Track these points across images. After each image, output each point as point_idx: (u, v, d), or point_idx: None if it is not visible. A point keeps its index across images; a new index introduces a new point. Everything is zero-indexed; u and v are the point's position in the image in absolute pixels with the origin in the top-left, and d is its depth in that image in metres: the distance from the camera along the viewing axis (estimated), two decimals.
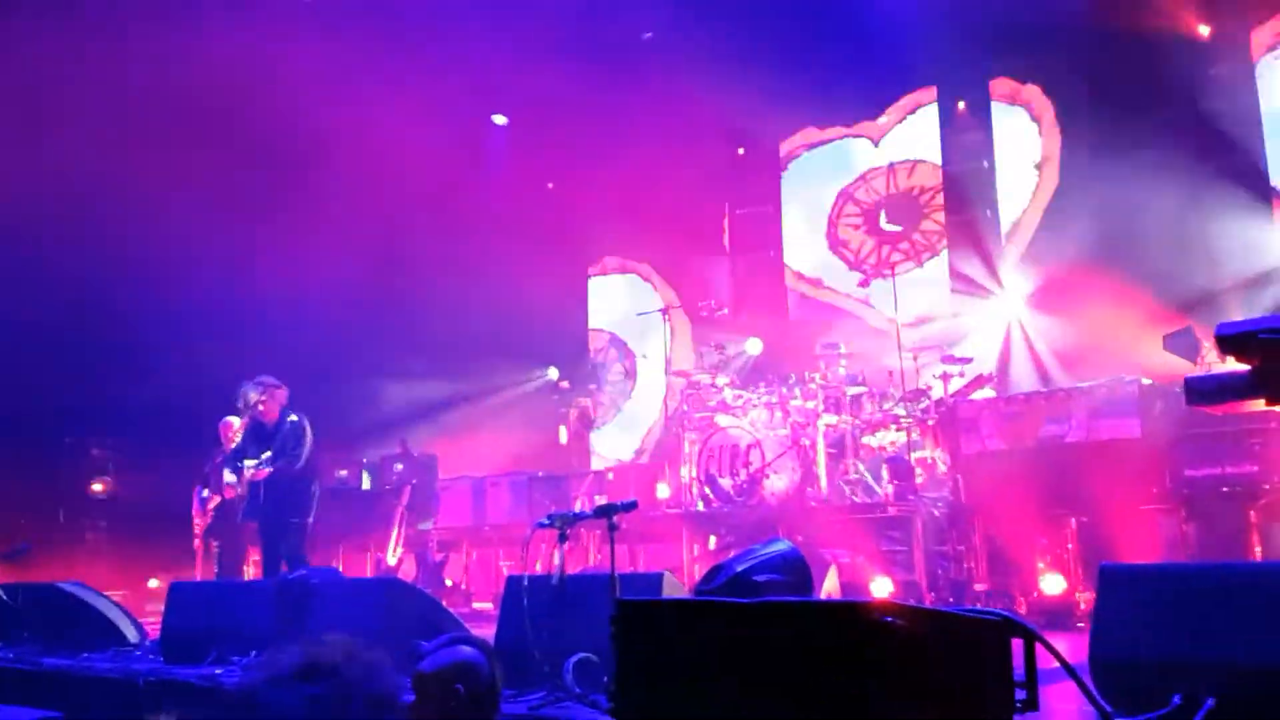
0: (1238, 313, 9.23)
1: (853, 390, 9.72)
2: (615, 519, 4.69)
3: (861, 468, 9.29)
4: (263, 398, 8.37)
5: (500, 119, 15.04)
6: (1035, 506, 7.97)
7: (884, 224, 13.44)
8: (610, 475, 10.73)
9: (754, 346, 13.52)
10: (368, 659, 2.04)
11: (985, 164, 12.88)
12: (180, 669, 6.00)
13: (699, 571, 7.82)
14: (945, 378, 9.90)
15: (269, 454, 8.31)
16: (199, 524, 9.53)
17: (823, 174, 14.20)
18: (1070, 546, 7.89)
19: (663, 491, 10.43)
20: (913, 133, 13.54)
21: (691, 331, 13.53)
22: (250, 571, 9.49)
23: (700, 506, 9.52)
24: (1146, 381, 8.13)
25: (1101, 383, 8.42)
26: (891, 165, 13.59)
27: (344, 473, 11.69)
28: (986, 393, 10.06)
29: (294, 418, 8.58)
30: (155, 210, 11.64)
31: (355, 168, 12.81)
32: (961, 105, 13.07)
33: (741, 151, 14.71)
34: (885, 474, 9.11)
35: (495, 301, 13.64)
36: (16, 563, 7.13)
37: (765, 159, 14.64)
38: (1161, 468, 7.70)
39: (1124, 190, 10.53)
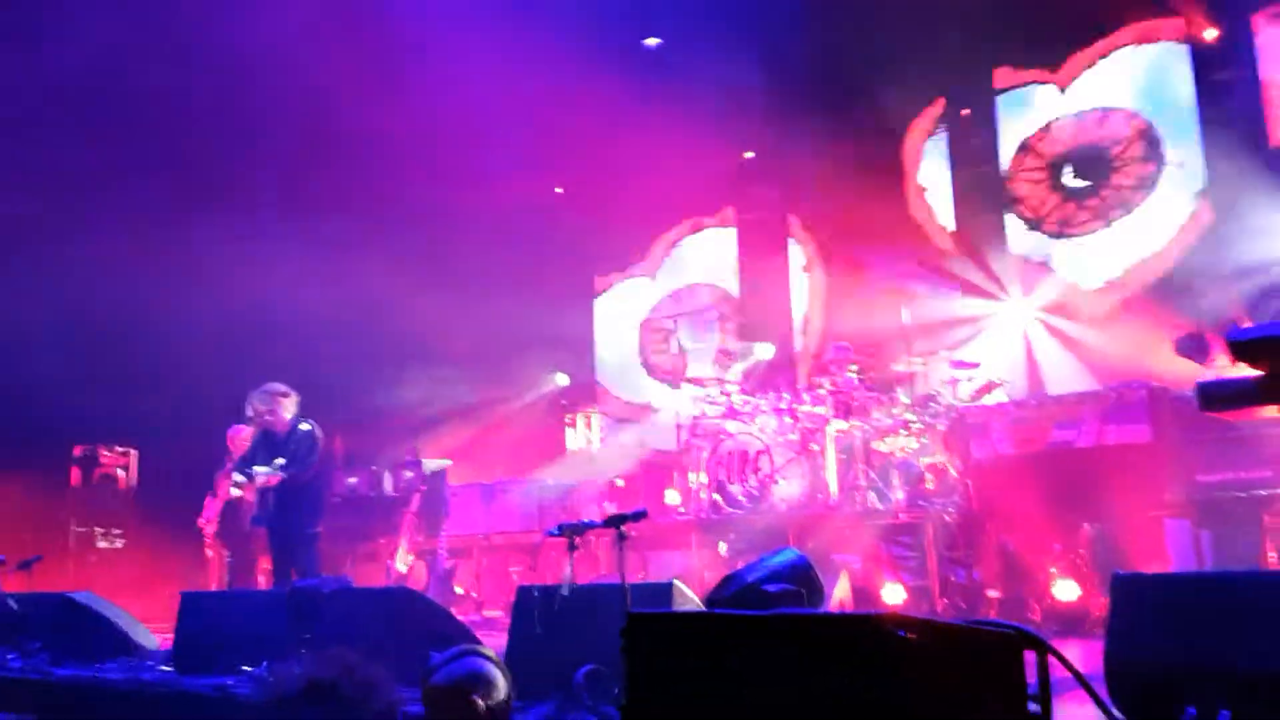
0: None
1: (862, 396, 9.70)
2: (624, 528, 4.68)
3: (872, 474, 9.26)
4: (271, 406, 8.37)
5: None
6: (1048, 512, 7.94)
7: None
8: (620, 482, 10.73)
9: (765, 351, 13.51)
10: (368, 675, 2.04)
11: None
12: (191, 679, 6.00)
13: (709, 578, 7.80)
14: (954, 382, 9.88)
15: (281, 461, 8.30)
16: (208, 532, 9.54)
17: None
18: (1083, 552, 7.86)
19: (672, 498, 10.42)
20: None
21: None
22: (262, 580, 9.50)
23: (710, 513, 9.50)
24: (1157, 385, 8.10)
25: (1112, 387, 8.39)
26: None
27: (354, 480, 11.70)
28: (998, 397, 10.03)
29: (305, 426, 8.58)
30: (166, 216, 11.71)
31: (371, 175, 12.87)
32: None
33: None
34: (896, 480, 9.09)
35: (510, 307, 13.67)
36: (28, 572, 7.13)
37: None
38: (1173, 473, 7.67)
39: None
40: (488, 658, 3.68)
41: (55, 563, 9.38)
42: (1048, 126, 12.57)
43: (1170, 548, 7.58)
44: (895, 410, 9.74)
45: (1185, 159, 11.50)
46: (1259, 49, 11.08)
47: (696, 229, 15.12)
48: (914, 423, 9.53)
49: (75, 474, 11.88)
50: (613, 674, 4.41)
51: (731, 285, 14.36)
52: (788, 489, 9.21)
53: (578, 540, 4.87)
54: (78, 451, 12.04)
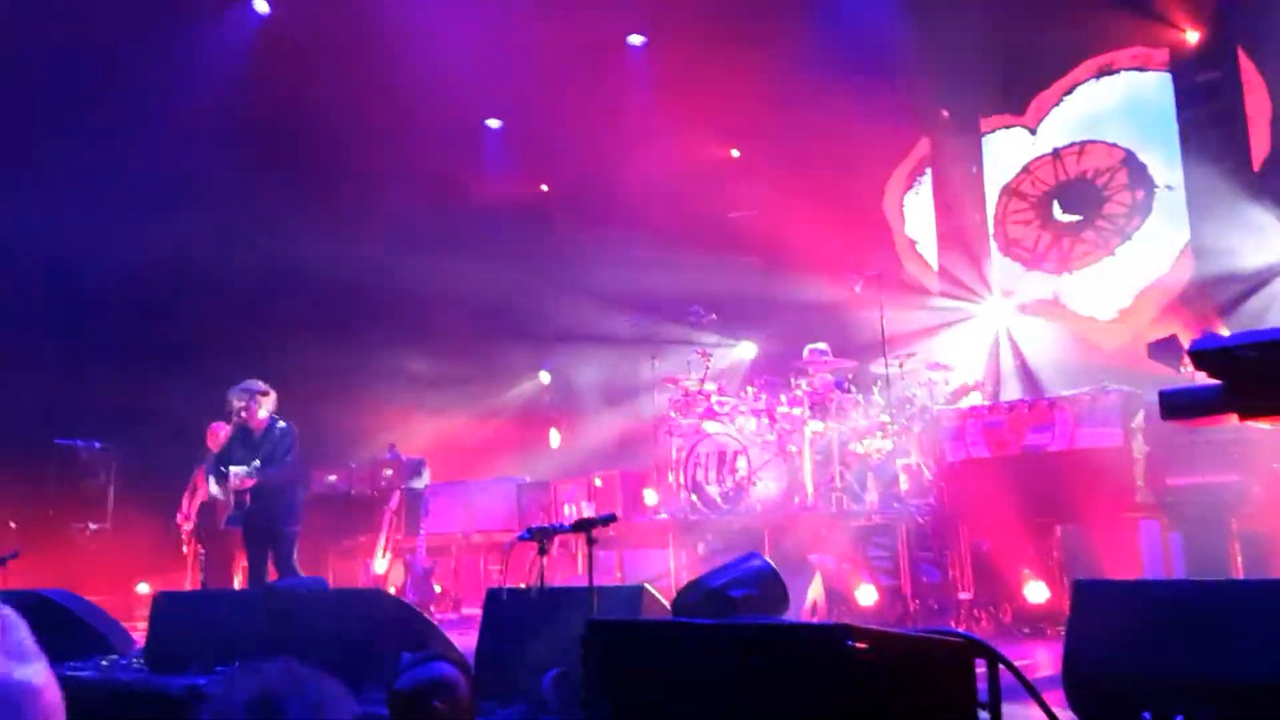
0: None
1: (839, 397, 9.75)
2: (594, 532, 4.72)
3: (848, 475, 9.31)
4: (248, 403, 8.37)
5: (493, 123, 15.06)
6: (1020, 514, 8.01)
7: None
8: (598, 481, 10.76)
9: (745, 351, 13.57)
10: (316, 691, 2.04)
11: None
12: (164, 678, 6.02)
13: (686, 579, 7.86)
14: (930, 385, 9.94)
15: (257, 462, 8.29)
16: (185, 530, 9.55)
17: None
18: (1054, 555, 7.94)
19: (650, 498, 10.46)
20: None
21: None
22: (239, 578, 9.50)
23: (688, 514, 9.55)
24: (1128, 389, 8.16)
25: (1084, 391, 8.46)
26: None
27: (333, 478, 11.71)
28: (974, 399, 10.09)
29: (282, 424, 8.58)
30: (148, 208, 11.68)
31: (351, 171, 12.88)
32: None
33: None
34: (871, 481, 9.15)
35: (491, 302, 13.70)
36: (3, 569, 7.12)
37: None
38: (1144, 476, 7.74)
39: None
40: (453, 662, 3.70)
41: (32, 559, 9.35)
42: (1027, 168, 12.68)
43: (1141, 551, 7.65)
44: (872, 412, 9.80)
45: (1173, 181, 11.58)
46: (1242, 72, 11.14)
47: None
48: (890, 424, 9.59)
49: (54, 468, 11.84)
50: (580, 677, 4.45)
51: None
52: (765, 490, 9.27)
53: (548, 543, 4.90)
54: (56, 445, 11.99)
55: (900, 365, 10.03)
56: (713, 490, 9.45)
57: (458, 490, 11.32)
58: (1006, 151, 12.91)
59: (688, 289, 13.78)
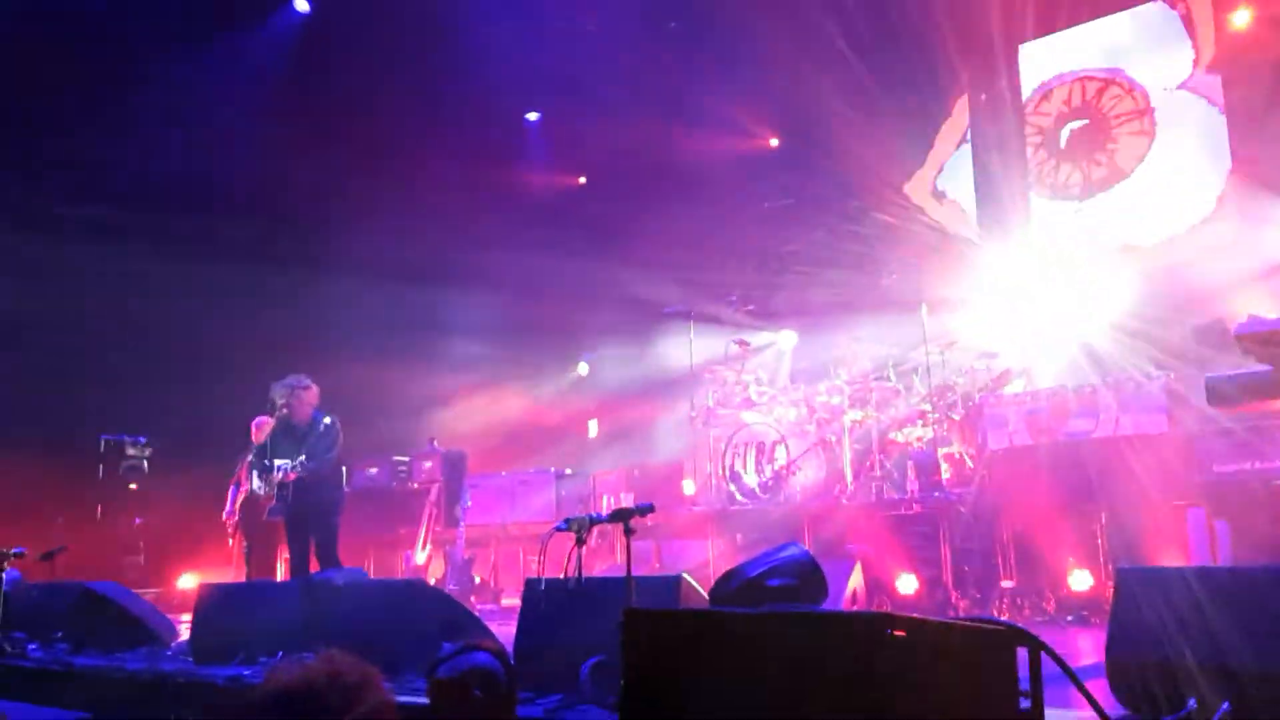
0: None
1: (879, 386, 9.68)
2: (631, 522, 4.71)
3: (887, 464, 9.25)
4: (290, 398, 8.43)
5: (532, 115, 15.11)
6: (1063, 502, 7.91)
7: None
8: (636, 472, 10.76)
9: (787, 341, 13.48)
10: (355, 677, 2.05)
11: None
12: (208, 669, 6.09)
13: (725, 569, 7.83)
14: (971, 372, 9.85)
15: (302, 456, 8.35)
16: (230, 523, 9.64)
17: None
18: (1099, 542, 7.83)
19: (688, 488, 10.45)
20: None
21: None
22: (281, 570, 9.59)
23: (726, 504, 9.52)
24: (1174, 376, 8.05)
25: (1129, 377, 8.35)
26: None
27: (374, 470, 11.78)
28: (1015, 387, 9.98)
29: (326, 419, 8.64)
30: (190, 206, 11.82)
31: (388, 173, 12.94)
32: None
33: None
34: (911, 470, 9.08)
35: (530, 295, 13.72)
36: (51, 563, 7.24)
37: None
38: (1189, 463, 7.62)
39: None
40: (491, 651, 3.71)
41: (80, 553, 9.50)
42: (1048, 93, 12.49)
43: (1187, 538, 7.53)
44: (912, 400, 9.73)
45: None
46: None
47: None
48: (930, 413, 9.51)
49: (101, 464, 12.01)
50: (619, 666, 4.44)
51: None
52: (804, 479, 9.22)
53: (585, 534, 4.90)
54: (103, 441, 12.16)
55: (941, 353, 9.94)
56: (751, 480, 9.42)
57: (497, 482, 11.36)
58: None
59: (727, 279, 13.80)
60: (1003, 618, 6.74)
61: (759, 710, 2.81)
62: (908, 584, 7.95)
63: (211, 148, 11.73)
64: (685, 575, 4.98)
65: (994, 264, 12.17)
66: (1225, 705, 3.55)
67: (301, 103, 12.37)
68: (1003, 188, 12.71)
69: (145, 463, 12.13)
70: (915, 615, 2.80)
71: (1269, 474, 7.32)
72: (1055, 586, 7.82)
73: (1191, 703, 3.62)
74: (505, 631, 5.52)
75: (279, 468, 8.35)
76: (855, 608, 7.30)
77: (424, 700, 3.84)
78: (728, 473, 9.57)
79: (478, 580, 10.57)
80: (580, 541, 4.85)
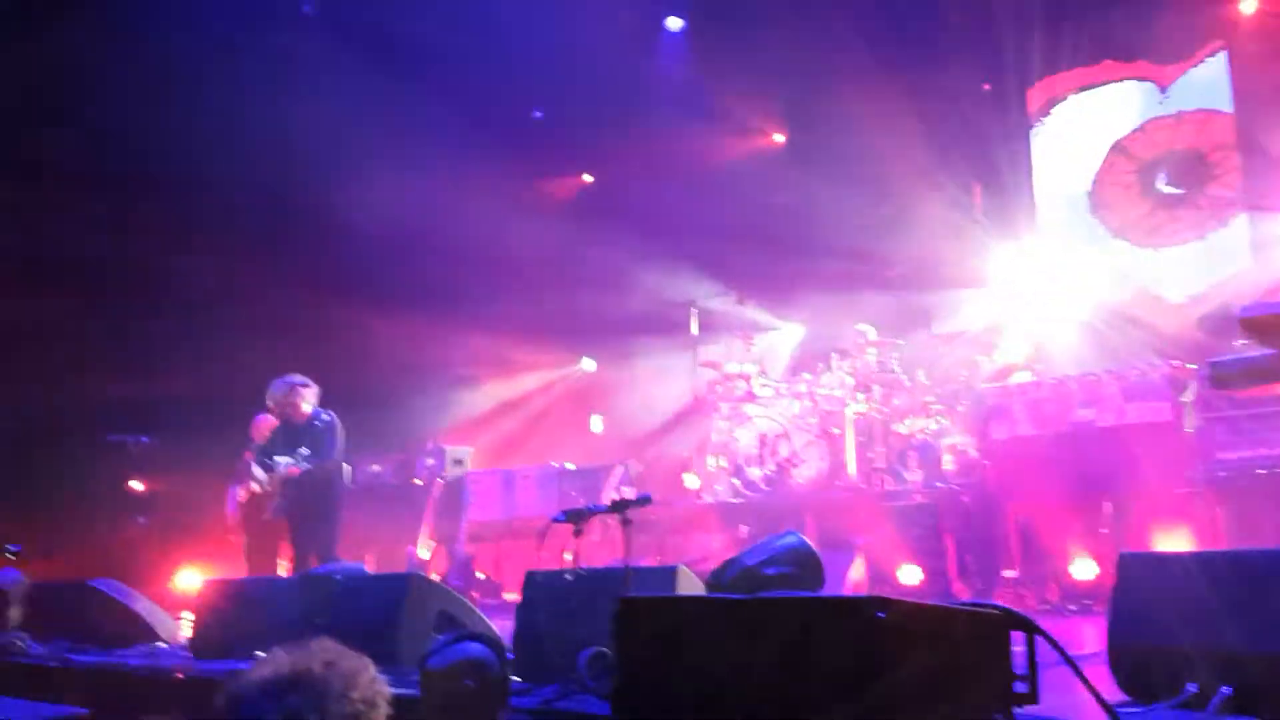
0: None
1: (882, 378, 9.64)
2: (630, 514, 4.69)
3: (891, 456, 9.22)
4: (289, 397, 8.42)
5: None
6: (1067, 491, 7.90)
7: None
8: (639, 467, 10.74)
9: (791, 334, 13.46)
10: (344, 668, 2.04)
11: None
12: (208, 664, 6.08)
13: None
14: (974, 364, 9.82)
15: (304, 451, 8.35)
16: (232, 520, 9.63)
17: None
18: (1103, 531, 7.80)
19: (691, 482, 10.43)
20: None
21: None
22: (284, 567, 9.58)
23: (729, 497, 9.50)
24: (1177, 363, 8.00)
25: (1133, 366, 8.31)
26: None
27: (377, 467, 11.77)
28: (1019, 377, 9.94)
29: (325, 416, 8.63)
30: (192, 202, 11.82)
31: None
32: None
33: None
34: (914, 461, 9.05)
35: (533, 289, 13.71)
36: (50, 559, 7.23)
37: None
38: (1193, 450, 7.59)
39: None
40: (485, 641, 3.70)
41: (82, 549, 9.51)
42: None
43: (1191, 526, 7.49)
44: (915, 392, 9.70)
45: None
46: None
47: None
48: (933, 404, 9.48)
49: (102, 462, 12.00)
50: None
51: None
52: (806, 471, 9.19)
53: (583, 525, 4.88)
54: (105, 440, 12.15)
55: (944, 345, 9.92)
56: (754, 473, 9.39)
57: (500, 478, 11.33)
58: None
59: (730, 274, 13.78)
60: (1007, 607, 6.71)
61: (752, 695, 2.79)
62: (910, 575, 7.94)
63: (224, 138, 11.69)
64: (682, 566, 4.95)
65: (999, 256, 12.13)
66: (1226, 690, 3.52)
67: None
68: (1009, 183, 12.62)
69: (147, 461, 12.11)
70: (908, 600, 2.77)
71: (1273, 461, 7.29)
72: (1059, 576, 7.79)
73: (1192, 687, 3.59)
74: (506, 626, 5.49)
75: (280, 465, 8.36)
76: None
77: (416, 691, 3.83)
78: (731, 466, 9.54)
79: (480, 576, 10.55)
80: (578, 533, 4.84)
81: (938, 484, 8.64)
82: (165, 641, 6.87)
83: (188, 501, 11.04)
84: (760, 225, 14.22)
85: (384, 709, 2.32)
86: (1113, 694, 3.70)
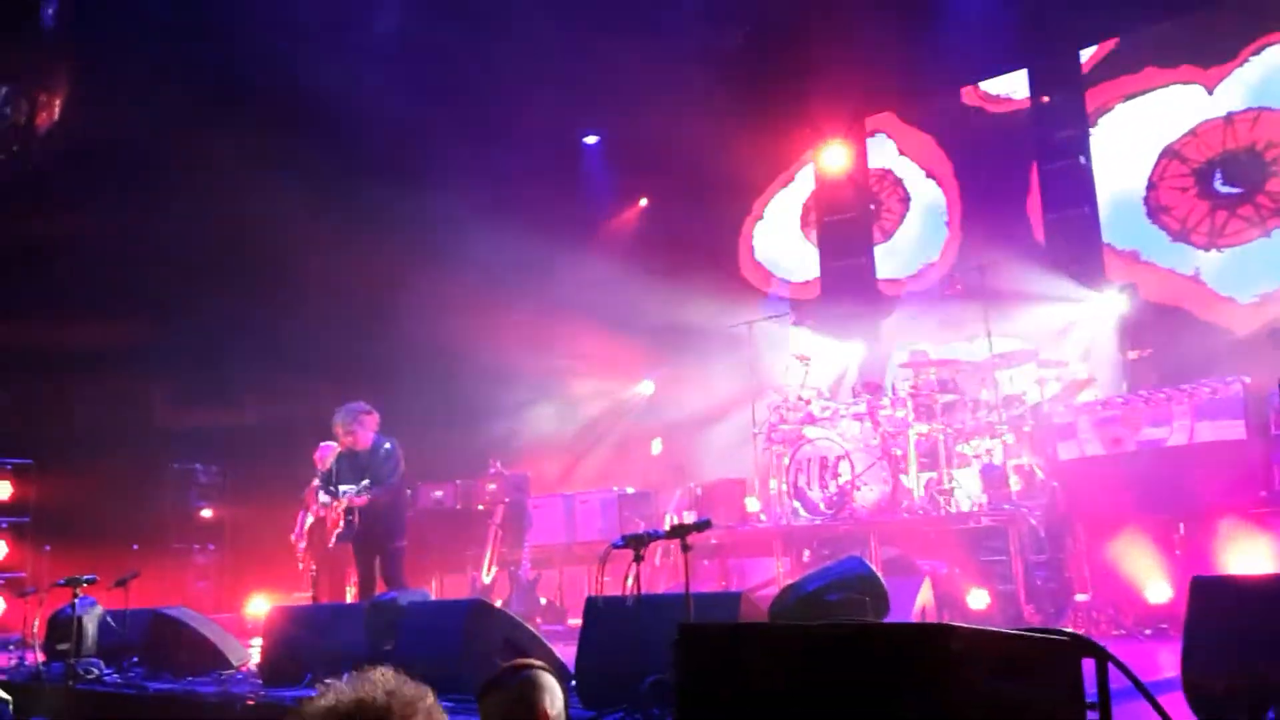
0: None
1: (945, 398, 9.52)
2: (690, 539, 4.67)
3: (955, 477, 9.09)
4: (351, 425, 8.53)
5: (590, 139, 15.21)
6: (1138, 513, 7.71)
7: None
8: (699, 490, 10.71)
9: (851, 353, 13.34)
10: (405, 697, 2.05)
11: None
12: (277, 691, 6.16)
13: None
14: (1041, 382, 9.66)
15: (366, 481, 8.44)
16: (299, 548, 9.77)
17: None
18: (1177, 553, 7.61)
19: (752, 506, 10.37)
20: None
21: None
22: (350, 593, 9.69)
23: (791, 520, 9.42)
24: (1250, 380, 7.81)
25: (1204, 383, 8.11)
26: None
27: (439, 493, 11.88)
28: (1086, 396, 9.77)
29: (387, 444, 8.74)
30: (257, 233, 12.04)
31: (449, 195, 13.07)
32: None
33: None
34: (980, 483, 8.91)
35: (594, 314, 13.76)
36: (125, 589, 7.37)
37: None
38: (1269, 470, 7.39)
39: None
40: (546, 669, 3.69)
41: (153, 578, 9.68)
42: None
43: (1269, 547, 7.28)
44: (979, 412, 9.56)
45: None
46: None
47: None
48: (998, 424, 9.33)
49: (172, 490, 12.26)
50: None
51: None
52: (869, 494, 9.09)
53: (643, 550, 4.86)
54: (174, 468, 12.41)
55: (1009, 364, 9.77)
56: (815, 496, 9.30)
57: (560, 502, 11.38)
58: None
59: (787, 295, 13.73)
60: (1078, 632, 6.56)
61: None
62: (979, 599, 7.80)
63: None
64: (745, 594, 4.92)
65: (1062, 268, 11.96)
66: None
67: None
68: (1065, 196, 12.47)
69: (215, 490, 12.35)
70: (976, 626, 2.72)
71: None
72: (1132, 600, 7.60)
73: (1271, 715, 3.49)
74: (571, 652, 5.50)
75: (344, 493, 8.46)
76: None
77: (477, 718, 3.84)
78: (791, 489, 9.46)
79: (543, 601, 10.58)
80: (638, 558, 4.82)
81: (1005, 506, 8.49)
82: (236, 668, 6.98)
83: (256, 529, 11.20)
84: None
85: None
86: None
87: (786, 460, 9.60)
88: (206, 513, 12.18)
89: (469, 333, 13.28)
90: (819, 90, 13.31)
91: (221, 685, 6.55)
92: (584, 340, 14.19)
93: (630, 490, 11.22)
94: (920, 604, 7.39)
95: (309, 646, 6.47)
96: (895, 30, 12.08)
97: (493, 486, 11.56)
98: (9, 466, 11.64)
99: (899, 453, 9.23)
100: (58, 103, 12.37)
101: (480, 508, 11.51)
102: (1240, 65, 11.46)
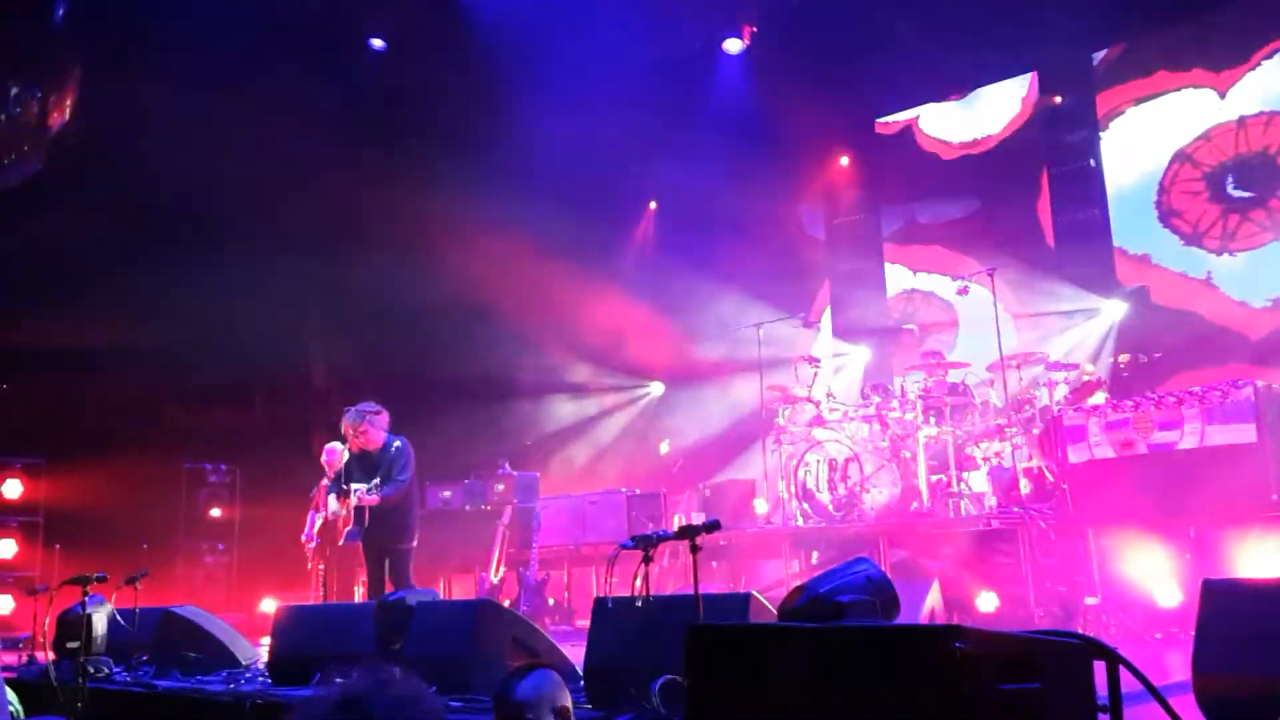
0: None
1: (954, 400, 9.51)
2: (699, 540, 4.66)
3: (965, 479, 9.08)
4: (362, 424, 8.53)
5: None
6: (1148, 516, 7.70)
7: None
8: (707, 492, 10.71)
9: (859, 356, 13.35)
10: (404, 691, 2.05)
11: None
12: (286, 690, 6.16)
13: None
14: (1051, 384, 9.64)
15: (376, 480, 8.43)
16: (309, 547, 9.78)
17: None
18: (1187, 557, 7.59)
19: (761, 507, 10.37)
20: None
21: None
22: (359, 592, 9.70)
23: (799, 522, 9.42)
24: (1262, 384, 7.77)
25: (1215, 387, 8.08)
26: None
27: (448, 493, 11.89)
28: (1097, 399, 9.74)
29: (397, 443, 8.73)
30: (269, 231, 12.09)
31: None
32: None
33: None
34: (989, 486, 8.90)
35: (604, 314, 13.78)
36: (135, 588, 7.38)
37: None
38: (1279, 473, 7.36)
39: None
40: (557, 669, 3.70)
41: (163, 576, 9.70)
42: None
43: (1278, 551, 7.26)
44: (989, 415, 9.54)
45: None
46: None
47: None
48: (1008, 427, 9.32)
49: (183, 490, 12.29)
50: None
51: None
52: (878, 497, 9.08)
53: (652, 551, 4.85)
54: (185, 468, 12.44)
55: (1018, 366, 9.76)
56: (824, 498, 9.30)
57: (568, 503, 11.39)
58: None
59: (797, 296, 13.72)
60: (1089, 635, 6.53)
61: None
62: (988, 602, 7.79)
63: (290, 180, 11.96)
64: (755, 593, 4.91)
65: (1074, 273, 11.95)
66: None
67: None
68: (1079, 198, 12.46)
69: (226, 489, 12.37)
70: (985, 628, 2.72)
71: None
72: (1142, 603, 7.59)
73: None
74: (578, 653, 5.50)
75: (354, 492, 8.46)
76: None
77: (491, 717, 3.85)
78: (800, 491, 9.46)
79: (551, 602, 10.58)
80: (647, 559, 4.81)
81: (1015, 509, 8.47)
82: (245, 667, 6.99)
83: (266, 529, 11.22)
84: (823, 245, 14.20)
85: None
86: None
87: (795, 462, 9.60)
88: (216, 512, 12.21)
89: (480, 334, 13.33)
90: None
91: (230, 684, 6.55)
92: (592, 340, 14.22)
93: (639, 491, 11.23)
94: (929, 606, 7.37)
95: (317, 646, 6.47)
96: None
97: (501, 487, 11.58)
98: (19, 465, 11.68)
99: (908, 455, 9.22)
100: (69, 102, 12.40)
101: (488, 508, 11.52)
102: (1253, 69, 11.49)
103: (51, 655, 7.17)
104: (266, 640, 7.60)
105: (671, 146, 13.13)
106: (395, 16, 12.73)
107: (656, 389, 15.03)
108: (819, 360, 10.29)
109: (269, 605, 10.58)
